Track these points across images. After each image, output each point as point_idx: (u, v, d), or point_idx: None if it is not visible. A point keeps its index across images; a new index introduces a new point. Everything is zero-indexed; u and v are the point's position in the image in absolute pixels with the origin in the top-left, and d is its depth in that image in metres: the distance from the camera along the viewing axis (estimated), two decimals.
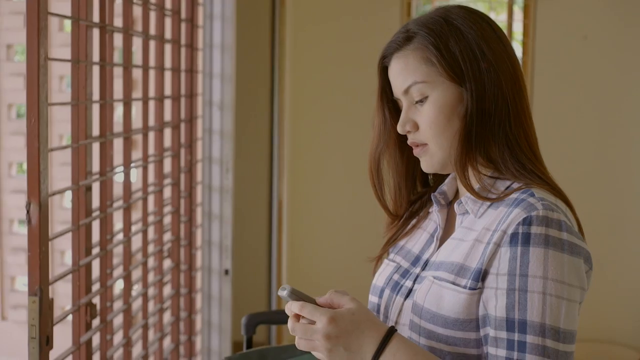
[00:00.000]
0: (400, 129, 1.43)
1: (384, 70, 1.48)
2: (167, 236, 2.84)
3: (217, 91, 3.00)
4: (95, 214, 2.15)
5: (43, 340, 1.76)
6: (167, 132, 2.84)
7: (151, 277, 2.73)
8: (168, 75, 2.78)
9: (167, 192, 2.86)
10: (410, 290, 1.42)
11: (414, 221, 1.56)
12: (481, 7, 5.58)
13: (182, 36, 2.84)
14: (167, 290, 2.85)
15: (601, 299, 4.55)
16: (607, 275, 4.50)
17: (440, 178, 1.56)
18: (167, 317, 2.87)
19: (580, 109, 4.74)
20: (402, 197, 1.56)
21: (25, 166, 3.38)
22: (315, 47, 4.40)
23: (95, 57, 2.14)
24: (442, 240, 1.45)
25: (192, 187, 2.99)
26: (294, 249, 4.29)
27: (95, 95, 2.11)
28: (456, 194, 1.51)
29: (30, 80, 1.68)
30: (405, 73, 1.40)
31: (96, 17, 2.11)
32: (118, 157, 2.35)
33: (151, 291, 2.75)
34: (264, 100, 3.89)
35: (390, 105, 1.50)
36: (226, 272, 3.03)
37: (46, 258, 1.74)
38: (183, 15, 2.87)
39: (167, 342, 2.87)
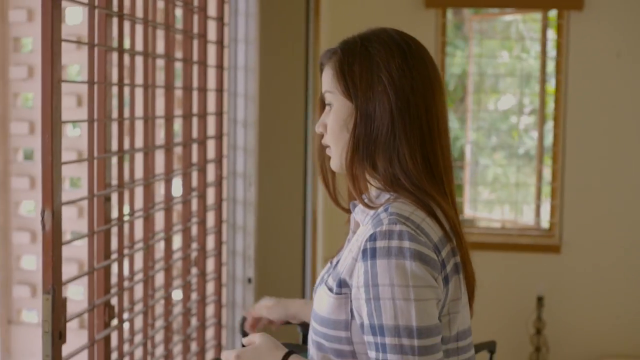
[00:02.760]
0: (316, 129, 1.64)
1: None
2: (194, 246, 3.02)
3: (241, 110, 3.18)
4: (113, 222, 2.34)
5: (56, 335, 1.94)
6: (194, 148, 3.03)
7: (177, 283, 2.92)
8: (195, 95, 2.97)
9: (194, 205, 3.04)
10: None
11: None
12: (515, 26, 5.68)
13: (208, 57, 3.03)
14: (193, 296, 3.03)
15: None
16: None
17: None
18: (193, 321, 3.05)
19: (613, 126, 4.80)
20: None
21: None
22: None
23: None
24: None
25: (221, 200, 3.17)
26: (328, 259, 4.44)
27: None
28: None
29: (44, 101, 1.87)
30: (323, 81, 1.61)
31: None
32: (139, 170, 2.54)
33: (176, 297, 2.93)
34: (298, 115, 4.06)
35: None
36: (249, 280, 3.21)
37: (59, 260, 1.92)
38: (210, 37, 3.06)
39: (193, 346, 3.04)
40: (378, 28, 1.60)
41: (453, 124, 6.12)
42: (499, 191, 6.31)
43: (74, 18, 4.07)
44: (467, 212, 5.29)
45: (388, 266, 1.39)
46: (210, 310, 3.17)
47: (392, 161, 1.51)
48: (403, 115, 1.50)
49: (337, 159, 1.59)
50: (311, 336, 1.58)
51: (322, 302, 1.54)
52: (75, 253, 3.89)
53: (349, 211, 1.67)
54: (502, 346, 4.22)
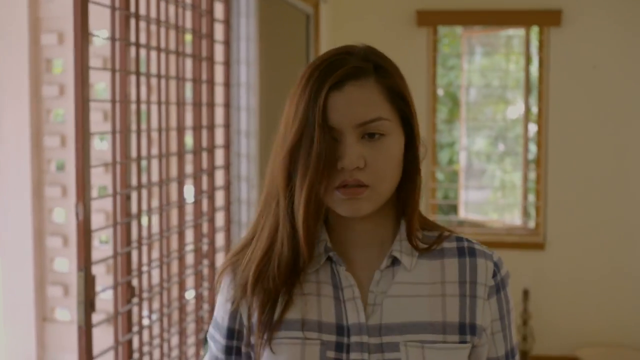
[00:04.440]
0: (351, 163, 1.27)
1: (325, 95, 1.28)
2: (205, 241, 3.49)
3: (244, 122, 3.66)
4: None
5: (88, 304, 2.41)
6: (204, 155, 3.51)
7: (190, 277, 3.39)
8: (204, 109, 3.45)
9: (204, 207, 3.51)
10: None
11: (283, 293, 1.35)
12: (501, 37, 6.11)
13: (215, 76, 3.51)
14: (205, 285, 3.50)
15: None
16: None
17: None
18: (205, 306, 3.52)
19: (591, 131, 5.23)
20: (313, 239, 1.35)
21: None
22: None
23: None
24: (365, 301, 1.34)
25: (229, 201, 3.64)
26: None
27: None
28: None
29: (77, 117, 2.36)
30: (368, 104, 1.28)
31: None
32: (155, 173, 3.02)
33: (190, 284, 3.40)
34: None
35: (329, 136, 1.28)
36: None
37: (89, 245, 2.40)
38: (217, 59, 3.53)
39: (205, 327, 3.51)
40: (365, 45, 1.36)
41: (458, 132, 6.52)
42: (497, 193, 6.72)
43: (101, 41, 4.57)
44: (462, 213, 5.74)
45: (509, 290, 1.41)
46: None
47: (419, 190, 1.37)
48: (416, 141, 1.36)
49: (381, 200, 1.32)
50: None
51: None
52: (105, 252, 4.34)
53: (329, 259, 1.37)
54: None
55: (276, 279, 1.33)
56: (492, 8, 5.20)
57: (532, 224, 5.51)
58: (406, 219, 1.36)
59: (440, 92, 9.69)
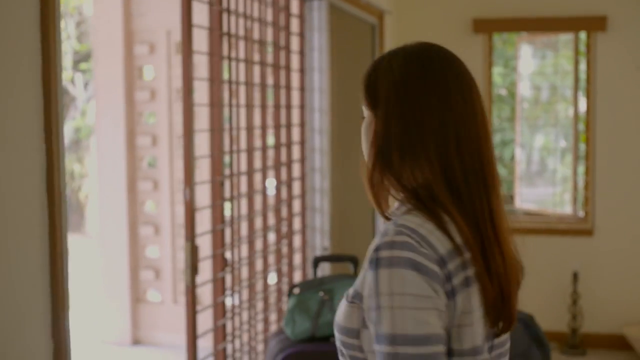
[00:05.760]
0: None
1: None
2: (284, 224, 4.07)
3: (317, 121, 4.24)
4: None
5: (193, 269, 3.00)
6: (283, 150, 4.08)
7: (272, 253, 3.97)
8: (283, 111, 4.03)
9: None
10: None
11: None
12: (555, 41, 6.54)
13: (292, 82, 4.09)
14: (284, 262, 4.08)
15: None
16: None
17: None
18: (285, 280, 4.10)
19: (635, 127, 5.67)
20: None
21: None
22: None
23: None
24: None
25: (304, 190, 4.22)
26: None
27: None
28: None
29: (185, 118, 2.95)
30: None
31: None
32: (243, 165, 3.61)
33: (271, 260, 3.98)
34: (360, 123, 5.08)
35: None
36: (325, 249, 4.24)
37: (193, 220, 2.98)
38: (293, 66, 4.11)
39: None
40: (415, 42, 1.56)
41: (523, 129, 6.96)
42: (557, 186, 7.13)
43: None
44: (517, 203, 6.24)
45: (389, 276, 1.37)
46: (298, 273, 4.21)
47: (409, 173, 1.47)
48: (418, 127, 1.46)
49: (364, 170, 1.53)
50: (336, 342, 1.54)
51: (340, 309, 1.51)
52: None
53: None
54: (545, 314, 5.18)
55: None
56: (542, 15, 5.68)
57: (581, 212, 5.96)
58: None
59: (503, 91, 10.14)
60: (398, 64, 1.51)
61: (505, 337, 1.54)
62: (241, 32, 3.52)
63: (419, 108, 1.47)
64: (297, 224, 4.18)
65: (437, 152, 1.46)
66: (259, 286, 3.82)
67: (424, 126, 1.46)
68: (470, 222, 1.45)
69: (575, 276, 5.60)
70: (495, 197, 1.49)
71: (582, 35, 5.81)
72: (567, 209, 6.30)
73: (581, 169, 6.03)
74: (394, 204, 1.54)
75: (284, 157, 4.03)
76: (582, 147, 6.00)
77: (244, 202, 3.63)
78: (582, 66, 5.85)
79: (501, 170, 9.85)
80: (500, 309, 1.46)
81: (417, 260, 1.38)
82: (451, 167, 1.46)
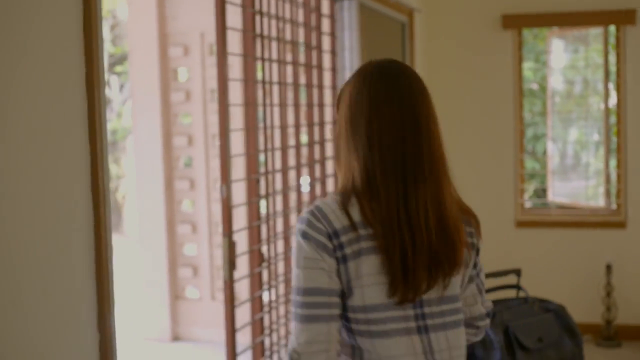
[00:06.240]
0: None
1: None
2: None
3: None
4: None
5: (231, 265, 3.10)
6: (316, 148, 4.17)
7: None
8: (316, 109, 4.11)
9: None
10: None
11: None
12: (585, 34, 6.57)
13: (324, 81, 4.18)
14: None
15: None
16: None
17: None
18: None
19: None
20: None
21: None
22: (441, 84, 5.63)
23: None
24: None
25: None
26: None
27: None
28: None
29: (221, 118, 3.05)
30: None
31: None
32: (277, 162, 3.70)
33: None
34: None
35: None
36: None
37: (230, 216, 3.08)
38: (325, 65, 4.20)
39: None
40: (378, 59, 1.88)
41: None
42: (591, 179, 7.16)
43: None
44: (550, 196, 6.29)
45: (295, 243, 1.75)
46: None
47: (347, 167, 1.80)
48: (352, 127, 1.78)
49: None
50: None
51: None
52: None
53: None
54: (579, 306, 5.23)
55: None
56: (570, 10, 5.72)
57: (614, 205, 5.99)
58: None
59: (534, 86, 10.14)
60: (353, 77, 1.84)
61: (451, 293, 1.82)
62: (274, 33, 3.61)
63: (352, 112, 1.79)
64: None
65: (363, 152, 1.76)
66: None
67: (357, 130, 1.77)
68: (382, 207, 1.72)
69: (608, 268, 5.63)
70: (412, 185, 1.74)
71: (612, 28, 5.84)
72: (600, 202, 6.32)
73: (613, 162, 6.05)
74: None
75: (317, 155, 4.12)
76: (614, 140, 6.02)
77: (279, 199, 3.72)
78: (612, 59, 5.88)
79: (534, 164, 9.87)
80: (400, 279, 1.71)
81: (307, 232, 1.71)
82: (372, 163, 1.75)
